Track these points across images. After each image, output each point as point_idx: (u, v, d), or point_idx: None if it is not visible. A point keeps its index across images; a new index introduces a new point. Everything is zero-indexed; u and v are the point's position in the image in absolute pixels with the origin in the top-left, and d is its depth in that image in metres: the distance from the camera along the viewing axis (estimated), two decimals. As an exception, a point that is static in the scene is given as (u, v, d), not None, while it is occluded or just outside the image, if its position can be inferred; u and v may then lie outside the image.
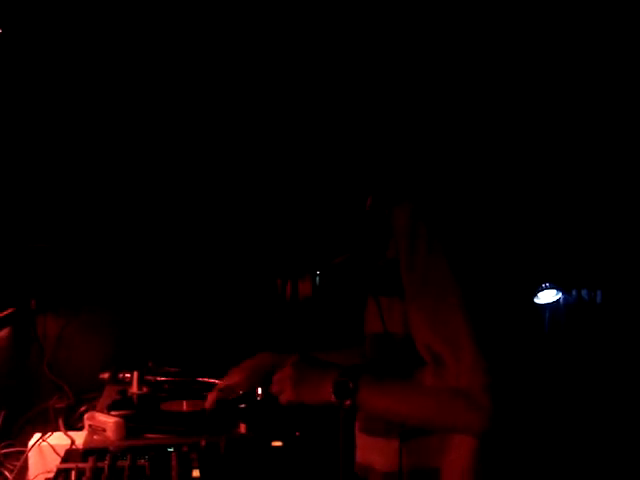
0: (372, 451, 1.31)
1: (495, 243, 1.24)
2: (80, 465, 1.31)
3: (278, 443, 1.49)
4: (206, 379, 2.01)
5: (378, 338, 1.31)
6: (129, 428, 1.50)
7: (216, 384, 1.71)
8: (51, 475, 1.31)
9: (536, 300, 3.76)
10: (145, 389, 1.91)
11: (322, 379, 1.23)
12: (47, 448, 1.50)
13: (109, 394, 1.88)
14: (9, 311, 2.15)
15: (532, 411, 1.22)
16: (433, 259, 1.16)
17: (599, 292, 3.89)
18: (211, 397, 1.63)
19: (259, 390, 1.83)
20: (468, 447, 1.19)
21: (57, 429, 1.59)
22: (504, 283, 1.23)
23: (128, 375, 1.97)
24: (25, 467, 1.52)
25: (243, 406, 1.69)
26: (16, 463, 1.58)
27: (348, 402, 1.19)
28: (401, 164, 1.37)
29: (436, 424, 1.18)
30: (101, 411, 1.62)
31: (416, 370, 1.19)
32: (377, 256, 1.29)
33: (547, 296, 3.79)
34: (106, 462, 1.31)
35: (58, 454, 1.45)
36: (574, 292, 3.95)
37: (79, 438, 1.51)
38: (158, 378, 2.01)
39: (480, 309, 1.13)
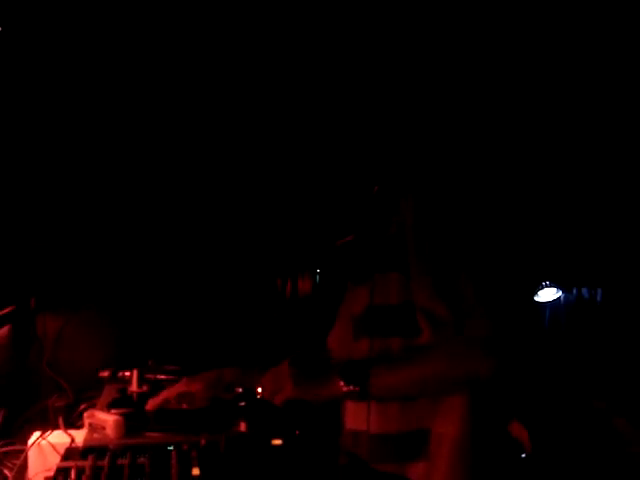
0: (363, 415, 1.34)
1: (497, 239, 1.27)
2: (80, 463, 1.31)
3: (278, 442, 1.49)
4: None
5: (372, 310, 1.36)
6: (129, 426, 1.50)
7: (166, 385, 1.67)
8: (51, 473, 1.30)
9: (536, 298, 3.76)
10: (145, 387, 1.91)
11: (326, 372, 1.26)
12: (47, 446, 1.49)
13: (109, 392, 1.88)
14: (9, 309, 2.15)
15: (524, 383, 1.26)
16: (439, 240, 1.24)
17: (599, 290, 3.89)
18: (153, 402, 1.54)
19: (259, 389, 1.83)
20: (459, 410, 1.24)
21: (57, 427, 1.59)
22: (506, 276, 1.27)
23: (128, 373, 1.96)
24: (25, 465, 1.51)
25: (243, 404, 1.69)
26: (16, 461, 1.57)
27: (358, 389, 1.22)
28: (408, 155, 1.41)
29: (449, 378, 1.22)
30: (101, 409, 1.62)
31: (410, 338, 1.26)
32: (379, 237, 1.34)
33: (547, 294, 3.79)
34: (106, 460, 1.31)
35: (58, 452, 1.45)
36: (574, 290, 3.95)
37: (79, 436, 1.51)
38: (158, 376, 2.01)
39: (487, 281, 1.22)
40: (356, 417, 1.38)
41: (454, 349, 1.22)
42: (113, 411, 1.58)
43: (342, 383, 1.24)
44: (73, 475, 1.26)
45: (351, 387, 1.23)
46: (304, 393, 1.29)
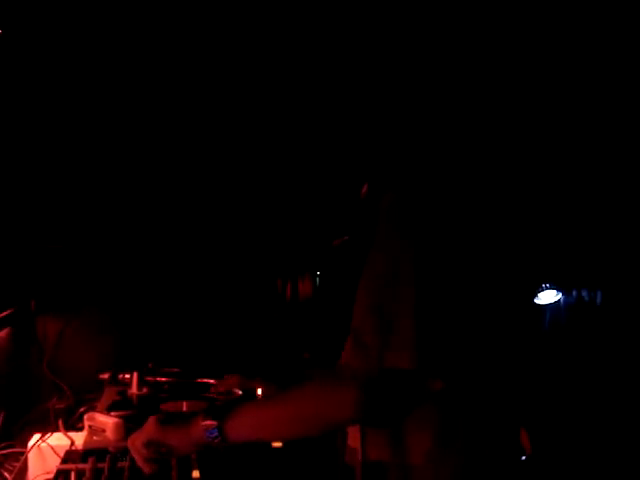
0: (356, 437, 1.22)
1: (490, 242, 1.22)
2: (80, 466, 1.31)
3: (278, 444, 1.49)
4: (206, 380, 2.01)
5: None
6: (129, 429, 1.50)
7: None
8: (51, 476, 1.31)
9: (536, 300, 3.76)
10: (145, 390, 1.91)
11: (188, 421, 1.17)
12: (47, 449, 1.49)
13: (109, 395, 1.88)
14: (9, 312, 2.15)
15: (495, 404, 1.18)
16: (397, 247, 1.11)
17: (599, 292, 3.89)
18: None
19: (259, 391, 1.83)
20: (422, 439, 1.10)
21: (57, 430, 1.59)
22: (492, 281, 1.19)
23: (128, 376, 1.97)
24: (25, 468, 1.51)
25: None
26: (16, 464, 1.57)
27: (215, 423, 1.11)
28: (398, 153, 1.37)
29: (311, 418, 1.11)
30: (101, 412, 1.62)
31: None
32: (370, 240, 1.28)
33: (547, 296, 3.79)
34: (106, 463, 1.31)
35: (58, 455, 1.45)
36: (574, 292, 3.95)
37: (79, 439, 1.51)
38: (158, 379, 2.01)
39: (431, 306, 1.06)
40: (352, 438, 1.26)
41: (326, 385, 1.10)
42: (113, 413, 1.58)
43: (202, 418, 1.13)
44: (73, 477, 1.26)
45: (208, 421, 1.12)
46: (165, 434, 1.18)
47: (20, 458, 1.55)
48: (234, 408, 1.13)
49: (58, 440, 1.52)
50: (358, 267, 1.27)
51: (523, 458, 1.74)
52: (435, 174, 1.25)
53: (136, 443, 1.18)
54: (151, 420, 1.19)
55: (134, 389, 1.89)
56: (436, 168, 1.29)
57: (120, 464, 1.32)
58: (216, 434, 1.11)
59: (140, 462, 1.18)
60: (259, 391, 1.82)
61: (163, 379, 2.02)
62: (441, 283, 1.09)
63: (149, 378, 1.98)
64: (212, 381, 1.99)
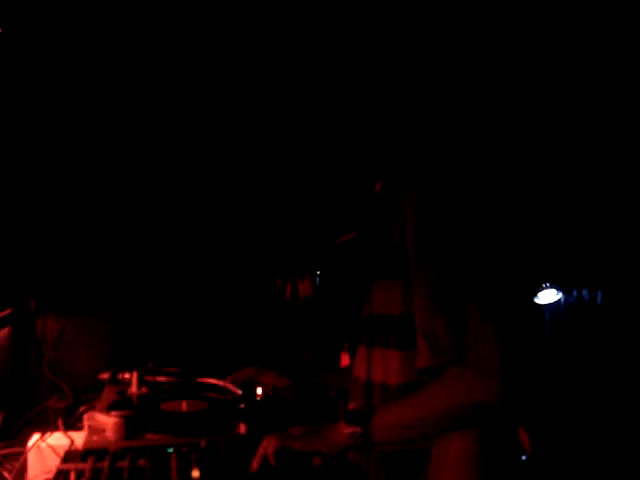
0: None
1: (500, 240, 1.24)
2: (79, 466, 1.30)
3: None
4: (205, 379, 2.01)
5: (372, 319, 1.33)
6: (129, 428, 1.50)
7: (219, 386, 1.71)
8: (50, 476, 1.30)
9: (537, 300, 3.76)
10: (145, 389, 1.91)
11: (328, 427, 1.27)
12: (46, 448, 1.49)
13: (108, 394, 1.88)
14: (8, 311, 2.15)
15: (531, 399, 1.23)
16: (441, 248, 1.19)
17: (599, 292, 3.89)
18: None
19: (259, 390, 1.83)
20: (462, 432, 1.19)
21: (56, 429, 1.58)
22: (509, 279, 1.23)
23: (127, 375, 1.96)
24: (24, 468, 1.51)
25: (243, 406, 1.69)
26: (15, 464, 1.57)
27: (360, 430, 1.20)
28: (411, 151, 1.38)
29: (451, 411, 1.17)
30: (101, 411, 1.61)
31: (410, 350, 1.21)
32: (382, 238, 1.30)
33: (548, 296, 3.79)
34: (106, 463, 1.31)
35: (57, 454, 1.45)
36: (574, 292, 3.95)
37: (78, 438, 1.50)
38: (158, 378, 2.01)
39: (493, 297, 1.16)
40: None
41: (453, 382, 1.16)
42: (113, 413, 1.57)
43: (344, 425, 1.23)
44: (73, 477, 1.26)
45: (352, 428, 1.21)
46: (307, 444, 1.29)
47: (19, 458, 1.55)
48: (375, 411, 1.23)
49: (58, 440, 1.51)
50: (367, 264, 1.29)
51: (523, 458, 1.74)
52: (454, 174, 1.28)
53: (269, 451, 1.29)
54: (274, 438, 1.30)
55: (134, 389, 1.89)
56: (452, 168, 1.31)
57: (120, 464, 1.32)
58: (361, 439, 1.21)
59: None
60: (259, 390, 1.82)
61: (163, 379, 2.02)
62: (498, 281, 1.18)
63: (149, 378, 1.98)
64: (212, 381, 1.99)
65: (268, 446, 1.31)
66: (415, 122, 1.42)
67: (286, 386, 1.71)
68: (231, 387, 1.83)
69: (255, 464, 1.31)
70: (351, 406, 1.42)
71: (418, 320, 1.19)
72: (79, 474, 1.27)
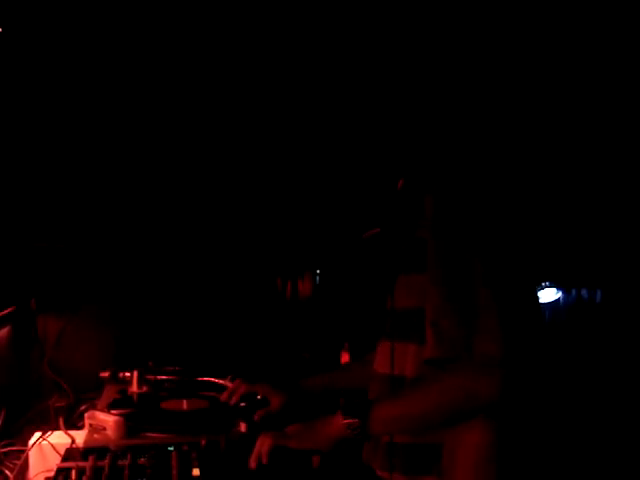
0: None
1: (512, 239, 1.26)
2: (80, 464, 1.31)
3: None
4: (206, 378, 2.02)
5: (395, 313, 1.35)
6: (129, 427, 1.50)
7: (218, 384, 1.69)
8: (51, 474, 1.31)
9: (536, 299, 3.75)
10: (145, 388, 1.91)
11: (323, 422, 1.28)
12: (47, 447, 1.49)
13: (109, 393, 1.88)
14: (9, 310, 2.15)
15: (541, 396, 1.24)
16: (455, 246, 1.21)
17: (599, 291, 3.89)
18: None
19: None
20: (475, 426, 1.20)
21: (57, 428, 1.59)
22: (520, 278, 1.25)
23: (128, 374, 1.97)
24: (25, 466, 1.52)
25: (243, 405, 1.70)
26: (16, 462, 1.57)
27: (357, 421, 1.21)
28: (433, 150, 1.40)
29: (445, 404, 1.19)
30: (101, 410, 1.62)
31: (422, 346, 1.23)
32: (405, 234, 1.33)
33: (547, 295, 3.79)
34: (106, 461, 1.31)
35: (58, 453, 1.45)
36: (574, 291, 3.95)
37: (79, 437, 1.51)
38: (158, 377, 2.01)
39: (504, 288, 1.18)
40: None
41: (453, 376, 1.18)
42: (114, 412, 1.58)
43: (342, 416, 1.24)
44: (73, 476, 1.26)
45: (350, 420, 1.23)
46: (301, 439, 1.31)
47: (21, 456, 1.55)
48: (373, 405, 1.24)
49: (59, 438, 1.52)
50: (390, 258, 1.31)
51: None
52: (467, 174, 1.30)
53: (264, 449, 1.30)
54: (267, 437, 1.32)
55: (134, 387, 1.90)
56: (465, 168, 1.33)
57: (121, 462, 1.33)
58: (358, 430, 1.22)
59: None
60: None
61: (163, 377, 2.02)
62: (511, 280, 1.20)
63: (149, 376, 1.99)
64: (212, 380, 2.00)
65: (262, 445, 1.32)
66: (434, 123, 1.44)
67: (279, 405, 1.68)
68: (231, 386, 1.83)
69: (252, 463, 1.32)
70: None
71: (429, 313, 1.21)
72: (80, 472, 1.27)
